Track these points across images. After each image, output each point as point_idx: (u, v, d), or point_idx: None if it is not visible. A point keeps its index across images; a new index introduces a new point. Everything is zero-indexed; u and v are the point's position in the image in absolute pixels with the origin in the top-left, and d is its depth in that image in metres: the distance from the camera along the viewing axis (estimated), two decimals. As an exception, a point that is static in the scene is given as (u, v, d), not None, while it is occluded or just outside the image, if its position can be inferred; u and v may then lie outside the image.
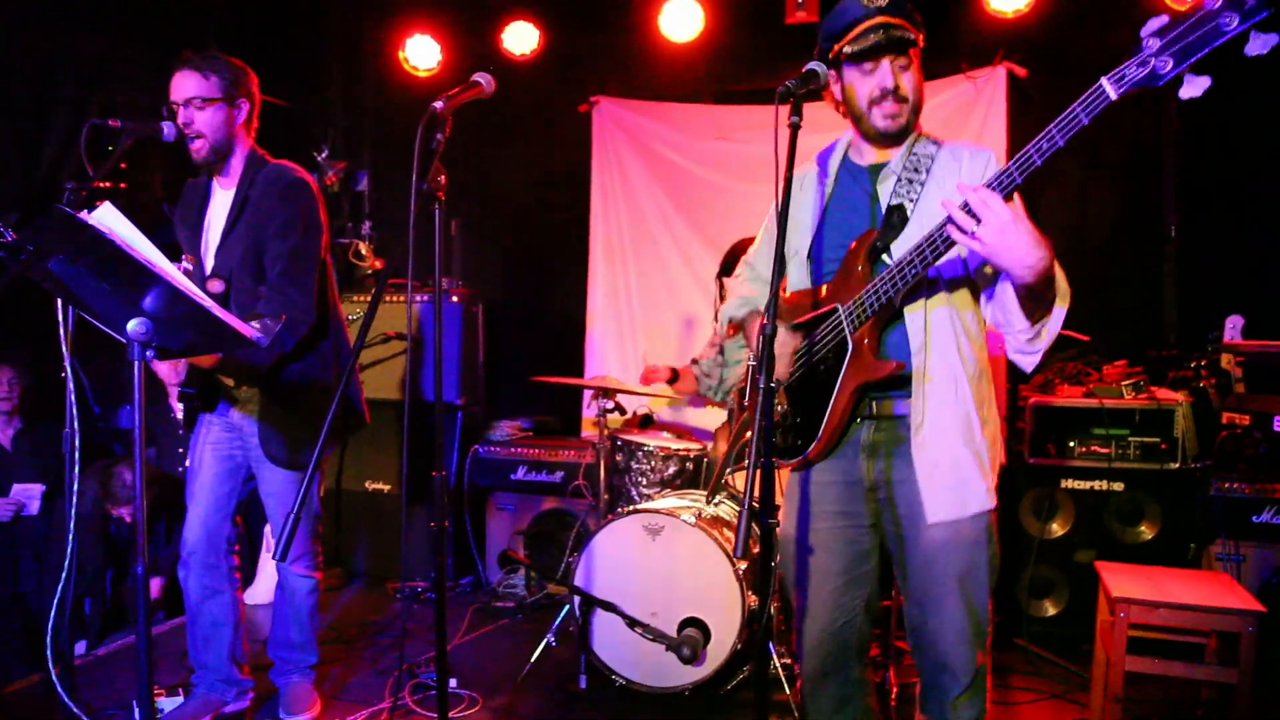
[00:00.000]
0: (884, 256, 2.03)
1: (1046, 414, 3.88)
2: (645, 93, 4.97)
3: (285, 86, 4.46)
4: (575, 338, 5.12)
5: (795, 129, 1.94)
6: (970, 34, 4.38)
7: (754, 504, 1.78)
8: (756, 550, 3.37)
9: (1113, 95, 1.59)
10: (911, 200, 2.02)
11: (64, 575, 2.67)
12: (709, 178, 4.86)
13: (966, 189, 1.73)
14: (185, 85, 2.70)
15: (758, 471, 1.79)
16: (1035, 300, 1.82)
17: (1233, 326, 3.97)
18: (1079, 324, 3.84)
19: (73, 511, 2.63)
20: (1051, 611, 3.83)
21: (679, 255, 4.94)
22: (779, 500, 3.37)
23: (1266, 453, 3.38)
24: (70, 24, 4.00)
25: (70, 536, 2.61)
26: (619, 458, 3.89)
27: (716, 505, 3.49)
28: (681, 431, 4.55)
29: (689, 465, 3.85)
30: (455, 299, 4.62)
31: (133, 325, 1.86)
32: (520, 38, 4.85)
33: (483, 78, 2.23)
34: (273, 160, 2.87)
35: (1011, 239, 1.70)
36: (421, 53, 4.99)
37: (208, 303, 1.77)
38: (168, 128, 2.69)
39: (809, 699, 2.21)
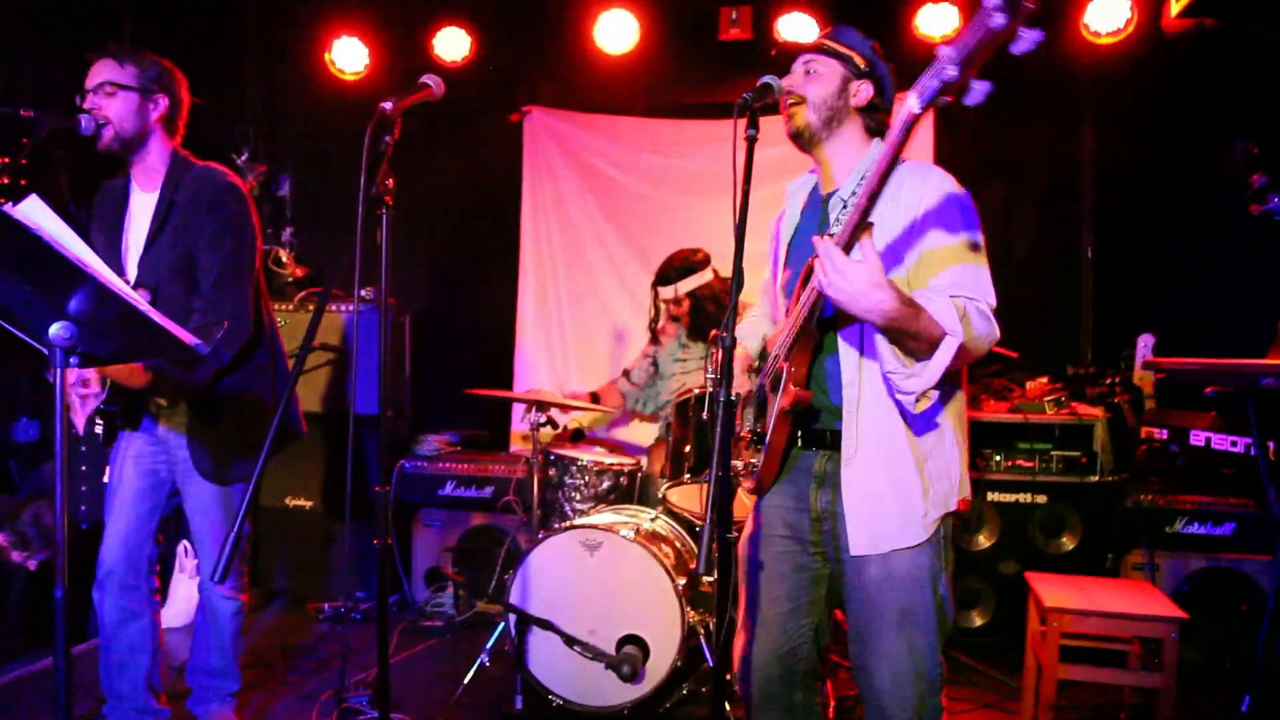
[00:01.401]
0: None
1: (973, 428, 3.95)
2: (578, 104, 4.93)
3: (202, 86, 4.28)
4: (504, 350, 5.03)
5: (752, 142, 1.92)
6: (900, 59, 4.45)
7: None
8: (692, 566, 3.38)
9: (916, 109, 1.53)
10: None
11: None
12: (642, 190, 4.85)
13: (817, 243, 1.70)
14: (99, 72, 2.58)
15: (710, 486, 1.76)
16: (900, 343, 1.76)
17: (1144, 345, 4.14)
18: (1003, 341, 3.96)
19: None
20: (979, 622, 3.91)
21: (610, 267, 4.91)
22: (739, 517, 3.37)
23: (1185, 465, 3.53)
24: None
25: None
26: (552, 472, 3.82)
27: (654, 521, 3.45)
28: (613, 446, 4.52)
29: (623, 480, 3.81)
30: (383, 309, 4.47)
31: (55, 329, 1.73)
32: (452, 44, 4.76)
33: (432, 79, 2.17)
34: (199, 163, 2.74)
35: (851, 287, 1.65)
36: (349, 56, 4.85)
37: (143, 305, 1.66)
38: (85, 121, 2.54)
39: None
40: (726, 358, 1.82)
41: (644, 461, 3.94)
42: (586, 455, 3.84)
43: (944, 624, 1.96)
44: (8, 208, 1.47)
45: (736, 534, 2.00)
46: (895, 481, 1.92)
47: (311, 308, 4.51)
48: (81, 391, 2.54)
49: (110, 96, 2.57)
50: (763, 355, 2.36)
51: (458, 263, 5.28)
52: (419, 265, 5.21)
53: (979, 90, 1.45)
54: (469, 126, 4.98)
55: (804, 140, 2.09)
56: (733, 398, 1.83)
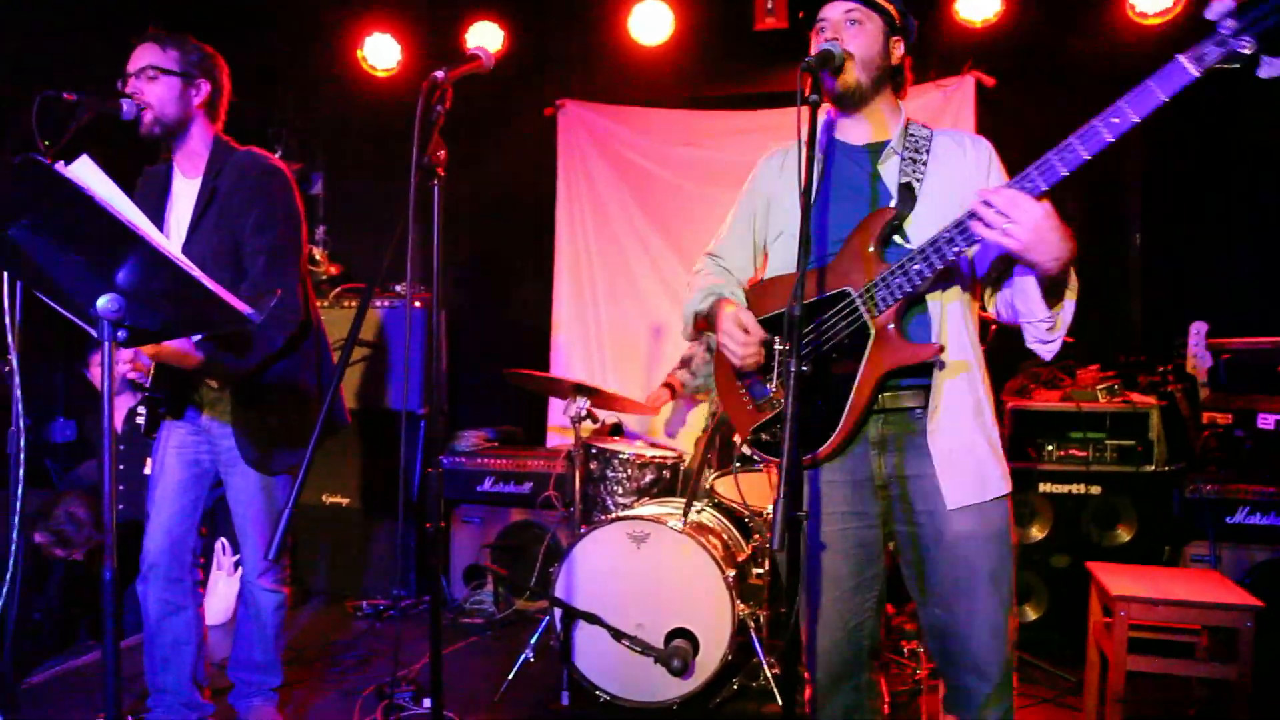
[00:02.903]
0: (896, 237, 1.96)
1: (1024, 418, 3.87)
2: (613, 97, 4.89)
3: (234, 84, 4.28)
4: (539, 345, 4.98)
5: (815, 106, 1.85)
6: (940, 43, 4.40)
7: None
8: (742, 557, 3.30)
9: (1195, 73, 1.60)
10: (918, 180, 1.98)
11: (3, 593, 2.44)
12: (677, 183, 4.79)
13: (989, 193, 1.74)
14: (141, 56, 2.55)
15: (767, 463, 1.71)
16: (1056, 291, 1.84)
17: (1197, 332, 4.03)
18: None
19: (16, 520, 2.39)
20: (1032, 616, 3.80)
21: (646, 260, 4.85)
22: (767, 505, 3.29)
23: (1252, 450, 3.41)
24: (4, 16, 3.77)
25: (14, 546, 2.38)
26: (593, 466, 3.76)
27: (699, 513, 3.38)
28: (653, 441, 4.45)
29: (665, 473, 3.75)
30: (418, 304, 4.45)
31: (103, 302, 1.68)
32: (484, 38, 4.73)
33: (481, 51, 2.12)
34: (240, 148, 2.70)
35: (1046, 234, 1.71)
36: (381, 52, 4.83)
37: (195, 271, 1.61)
38: (127, 105, 2.51)
39: (821, 707, 2.10)
40: (796, 327, 1.76)
41: (687, 454, 3.87)
42: (628, 448, 3.78)
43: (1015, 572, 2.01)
44: (60, 166, 1.42)
45: (806, 513, 1.94)
46: (980, 432, 1.96)
47: (347, 304, 4.48)
48: (130, 373, 2.50)
49: (152, 81, 2.54)
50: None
51: (491, 259, 5.23)
52: (452, 262, 5.17)
53: (1275, 65, 1.56)
54: (503, 121, 4.94)
55: (847, 100, 2.01)
56: (804, 369, 1.76)
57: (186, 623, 2.71)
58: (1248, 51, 1.54)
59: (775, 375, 2.06)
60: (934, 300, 1.96)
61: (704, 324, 2.20)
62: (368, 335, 4.38)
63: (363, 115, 4.99)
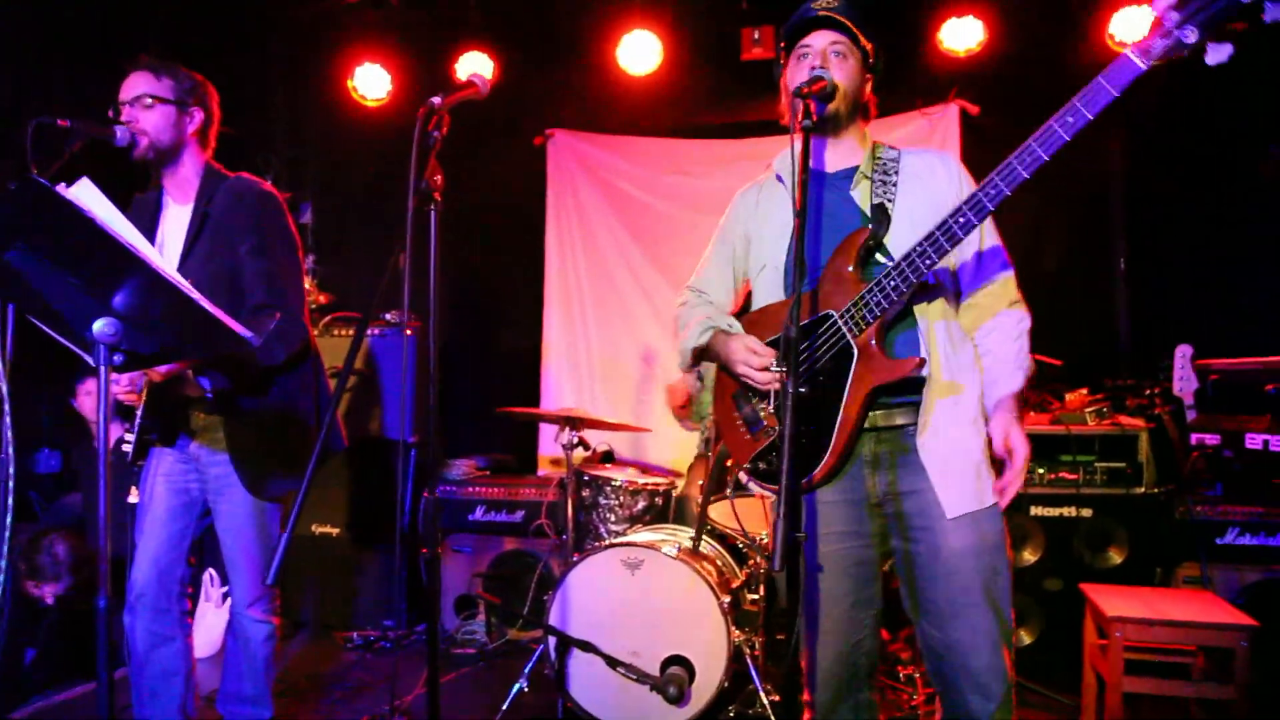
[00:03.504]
0: (878, 256, 2.00)
1: (1014, 441, 3.88)
2: (602, 126, 4.93)
3: (225, 112, 4.30)
4: (530, 373, 4.98)
5: (808, 131, 1.89)
6: (924, 71, 4.47)
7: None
8: (737, 584, 3.29)
9: (1143, 66, 1.65)
10: (890, 200, 2.02)
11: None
12: (667, 211, 4.82)
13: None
14: (135, 84, 2.57)
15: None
16: None
17: (1183, 355, 4.06)
18: (1043, 351, 3.90)
19: (4, 549, 2.35)
20: (1026, 640, 3.78)
21: (637, 288, 4.87)
22: (766, 529, 3.28)
23: (1241, 471, 3.43)
24: (2, 42, 3.79)
25: (2, 576, 2.33)
26: (586, 493, 3.74)
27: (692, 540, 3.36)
28: (644, 467, 4.44)
29: (658, 500, 3.73)
30: (409, 333, 4.43)
31: (99, 326, 1.68)
32: (474, 69, 4.74)
33: (477, 77, 2.14)
34: (230, 174, 2.71)
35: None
36: (371, 82, 4.86)
37: (194, 293, 1.60)
38: (120, 132, 2.52)
39: None
40: (792, 349, 1.77)
41: (679, 481, 3.86)
42: (620, 475, 3.76)
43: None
44: (60, 189, 1.42)
45: (805, 534, 1.94)
46: (971, 445, 1.98)
47: (337, 332, 4.46)
48: (124, 397, 2.48)
49: (148, 109, 2.56)
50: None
51: (481, 286, 5.24)
52: (442, 289, 5.16)
53: (1222, 51, 1.59)
54: (492, 151, 4.97)
55: (831, 125, 2.07)
56: (800, 390, 1.77)
57: (175, 654, 2.67)
58: (1192, 41, 1.58)
59: (770, 402, 2.08)
60: (920, 316, 1.99)
61: (698, 356, 2.24)
62: (356, 363, 4.36)
63: (353, 145, 5.01)
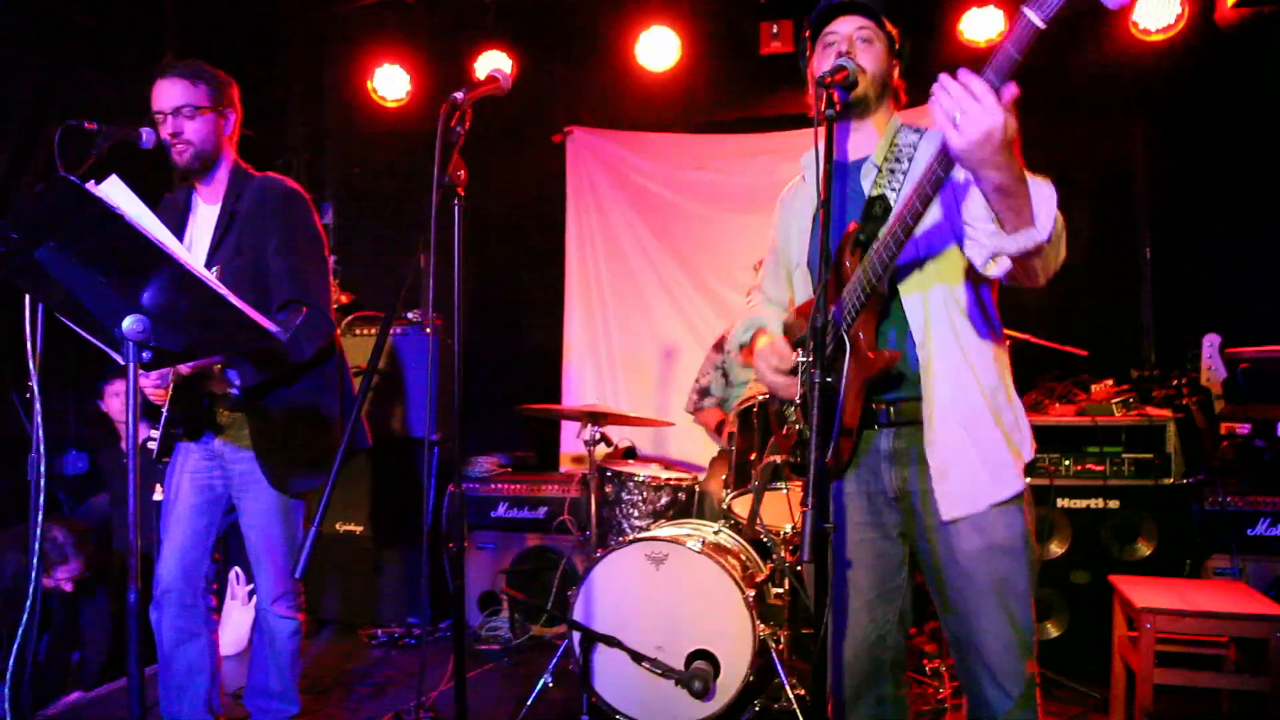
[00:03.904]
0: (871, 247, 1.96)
1: (1039, 433, 3.81)
2: (620, 122, 4.94)
3: (246, 115, 4.32)
4: (550, 369, 4.99)
5: (831, 120, 1.89)
6: (943, 63, 4.41)
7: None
8: (761, 578, 3.28)
9: (1040, 24, 1.57)
10: (894, 190, 1.96)
11: (24, 621, 2.42)
12: (687, 206, 4.82)
13: (956, 78, 1.62)
14: (173, 93, 2.57)
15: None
16: (1004, 209, 1.64)
17: (1211, 345, 4.01)
18: (1067, 342, 3.86)
19: (36, 546, 2.38)
20: (1054, 634, 3.75)
21: (657, 283, 4.87)
22: (790, 523, 3.27)
23: (1272, 460, 3.38)
24: (25, 46, 3.83)
25: (33, 573, 2.36)
26: (609, 489, 3.75)
27: (717, 534, 3.35)
28: (667, 463, 4.43)
29: (681, 495, 3.73)
30: (429, 331, 4.45)
31: (128, 323, 1.69)
32: (493, 68, 4.76)
33: (499, 73, 2.15)
34: (257, 174, 2.73)
35: (989, 119, 1.55)
36: (391, 83, 4.88)
37: (222, 289, 1.61)
38: (146, 134, 2.54)
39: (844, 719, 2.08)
40: (819, 339, 1.78)
41: (701, 476, 3.85)
42: (643, 471, 3.77)
43: (1034, 585, 1.92)
44: (90, 186, 1.43)
45: (833, 525, 1.93)
46: (979, 438, 1.89)
47: (359, 331, 4.49)
48: (151, 394, 2.51)
49: (190, 119, 2.58)
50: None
51: (501, 284, 5.25)
52: (463, 287, 5.18)
53: None
54: (511, 149, 4.98)
55: (857, 110, 2.04)
56: (828, 380, 1.77)
57: (200, 650, 2.69)
58: None
59: (796, 398, 2.07)
60: (911, 298, 1.92)
61: (748, 354, 2.27)
62: (378, 361, 4.38)
63: (373, 145, 5.03)
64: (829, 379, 1.82)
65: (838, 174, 2.07)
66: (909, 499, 1.96)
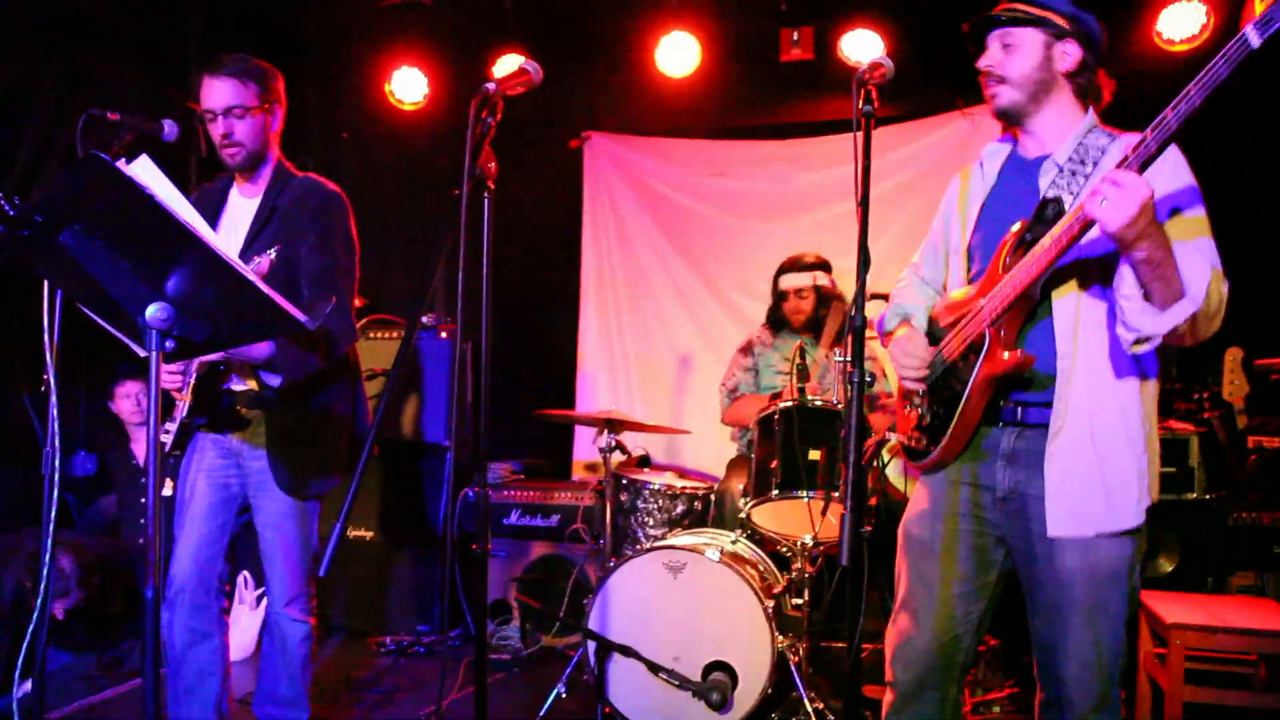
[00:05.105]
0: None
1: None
2: (639, 128, 4.91)
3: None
4: (565, 376, 4.95)
5: (869, 117, 1.89)
6: (967, 71, 4.40)
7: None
8: (779, 589, 3.22)
9: (1255, 43, 1.53)
10: (1072, 193, 1.90)
11: (34, 617, 2.38)
12: (706, 213, 4.79)
13: (1113, 175, 1.63)
14: (224, 92, 2.54)
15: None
16: (1150, 283, 1.66)
17: (1233, 359, 3.97)
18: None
19: (49, 543, 2.34)
20: (1075, 651, 3.69)
21: (674, 290, 4.84)
22: (810, 534, 3.21)
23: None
24: (48, 41, 3.84)
25: (45, 570, 2.32)
26: (623, 497, 3.70)
27: (735, 544, 3.30)
28: (682, 471, 4.38)
29: (697, 504, 3.68)
30: (443, 335, 4.41)
31: (152, 310, 1.65)
32: (524, 61, 4.75)
33: (530, 66, 2.14)
34: (299, 173, 2.71)
35: (1136, 205, 1.59)
36: (408, 86, 4.86)
37: (252, 275, 1.58)
38: (169, 126, 2.50)
39: (900, 711, 2.06)
40: (858, 338, 1.78)
41: (717, 485, 3.80)
42: (659, 479, 3.72)
43: (1132, 610, 1.90)
44: (120, 164, 1.40)
45: (869, 530, 1.89)
46: (1106, 461, 1.82)
47: (374, 335, 4.45)
48: (172, 389, 2.47)
49: (241, 119, 2.56)
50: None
51: (516, 290, 5.19)
52: (478, 292, 5.15)
53: None
54: (528, 153, 4.94)
55: (1011, 118, 2.03)
56: (867, 378, 1.74)
57: (211, 652, 2.64)
58: None
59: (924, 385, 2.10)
60: (1064, 303, 1.87)
61: (890, 337, 2.25)
62: (385, 365, 4.34)
63: (390, 148, 5.01)
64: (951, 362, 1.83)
65: (1017, 169, 2.06)
66: (1018, 500, 1.92)
